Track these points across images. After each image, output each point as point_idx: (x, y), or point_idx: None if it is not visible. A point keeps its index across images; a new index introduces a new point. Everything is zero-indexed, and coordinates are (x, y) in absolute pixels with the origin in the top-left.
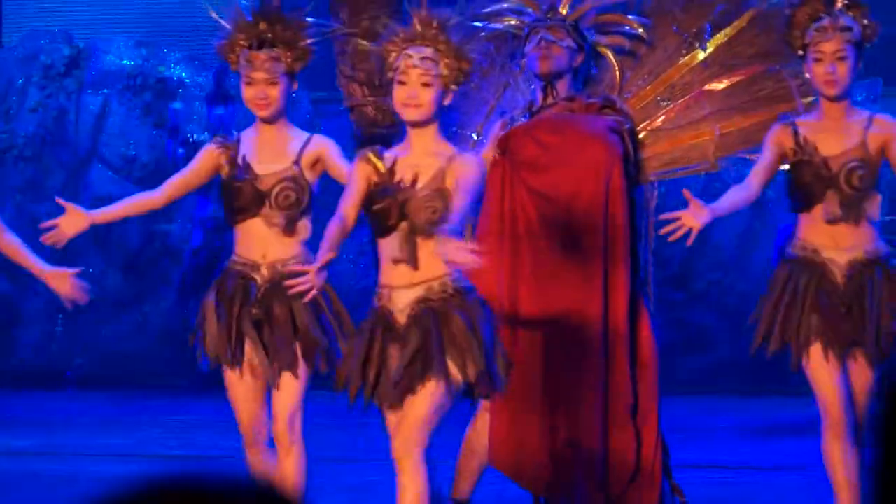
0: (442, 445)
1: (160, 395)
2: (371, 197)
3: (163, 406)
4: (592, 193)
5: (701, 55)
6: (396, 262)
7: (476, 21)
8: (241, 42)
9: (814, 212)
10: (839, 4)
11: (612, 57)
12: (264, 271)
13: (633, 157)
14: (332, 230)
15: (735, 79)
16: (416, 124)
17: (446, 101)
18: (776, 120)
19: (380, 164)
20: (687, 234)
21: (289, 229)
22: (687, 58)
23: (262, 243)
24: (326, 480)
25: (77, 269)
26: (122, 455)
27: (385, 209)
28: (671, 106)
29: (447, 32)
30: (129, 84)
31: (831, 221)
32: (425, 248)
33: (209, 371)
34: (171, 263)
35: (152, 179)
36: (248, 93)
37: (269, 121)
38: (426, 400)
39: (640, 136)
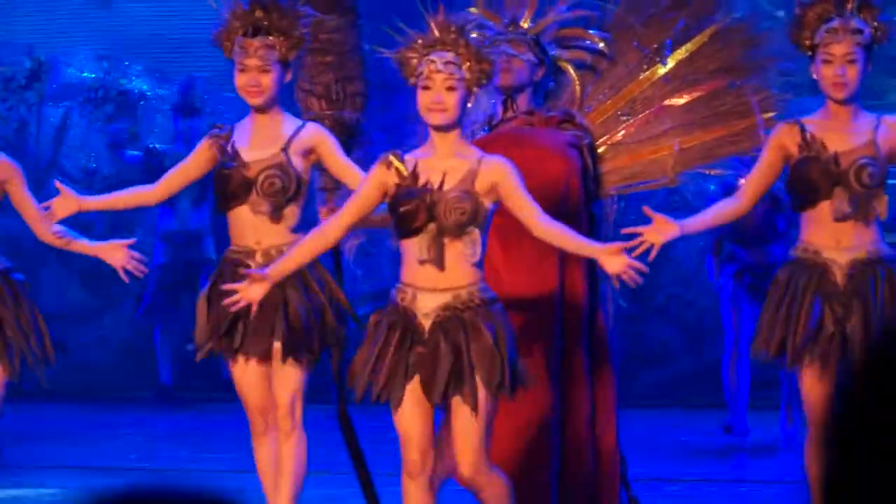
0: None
1: (121, 407)
2: (395, 199)
3: (123, 418)
4: (551, 207)
5: (662, 70)
6: (423, 262)
7: None
8: (236, 29)
9: (819, 209)
10: (850, 6)
11: (572, 71)
12: (259, 258)
13: (591, 172)
14: (305, 243)
15: (695, 94)
16: (441, 128)
17: (469, 104)
18: (737, 135)
19: (402, 168)
20: (648, 251)
21: (275, 216)
22: (648, 73)
23: (254, 230)
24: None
25: (132, 240)
26: (82, 467)
27: (412, 211)
28: (631, 121)
29: (465, 36)
30: (90, 96)
31: (840, 219)
32: (452, 250)
33: (172, 383)
34: (133, 276)
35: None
36: (240, 80)
37: (261, 109)
38: (477, 417)
39: (600, 150)
